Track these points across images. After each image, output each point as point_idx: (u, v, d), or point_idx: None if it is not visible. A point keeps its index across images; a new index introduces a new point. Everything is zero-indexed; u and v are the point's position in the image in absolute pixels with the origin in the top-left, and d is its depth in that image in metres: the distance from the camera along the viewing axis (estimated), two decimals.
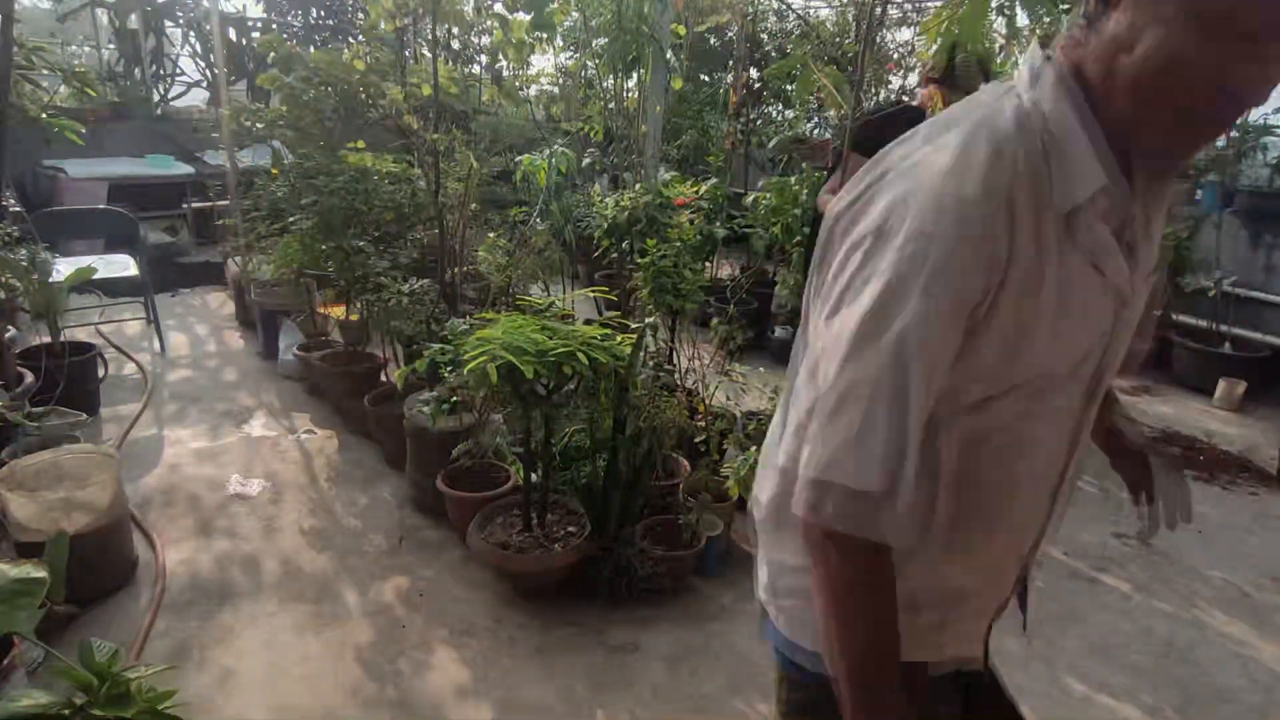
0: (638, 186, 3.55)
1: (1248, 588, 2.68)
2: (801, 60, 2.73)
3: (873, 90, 5.65)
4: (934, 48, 1.97)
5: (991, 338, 0.77)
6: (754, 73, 6.33)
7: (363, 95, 3.64)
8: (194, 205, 6.46)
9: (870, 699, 0.80)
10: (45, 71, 3.43)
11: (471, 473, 2.72)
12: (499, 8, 4.15)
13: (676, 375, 3.05)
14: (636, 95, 4.16)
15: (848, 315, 0.77)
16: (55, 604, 1.51)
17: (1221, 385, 4.16)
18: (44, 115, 3.35)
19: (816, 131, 6.51)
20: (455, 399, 2.70)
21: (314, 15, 7.74)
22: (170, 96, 7.77)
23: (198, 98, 7.99)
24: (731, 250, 5.37)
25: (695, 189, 3.67)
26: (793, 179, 4.56)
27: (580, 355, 2.08)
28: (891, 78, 5.38)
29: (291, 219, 3.45)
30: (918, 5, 5.70)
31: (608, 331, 2.27)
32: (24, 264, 3.22)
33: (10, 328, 3.31)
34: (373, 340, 3.77)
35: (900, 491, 0.75)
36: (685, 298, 2.87)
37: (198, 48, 7.59)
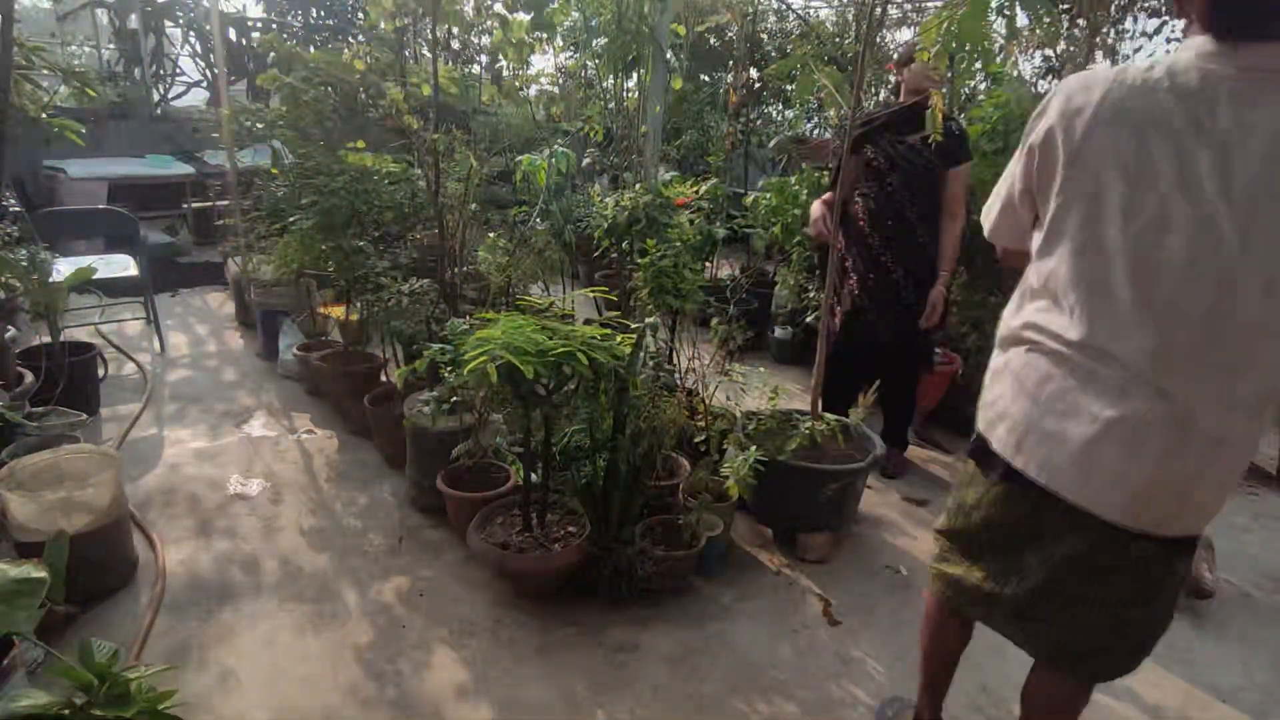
0: (638, 186, 3.55)
1: (1247, 587, 2.68)
2: (801, 60, 2.72)
3: (873, 90, 5.66)
4: (933, 50, 1.96)
5: None
6: (754, 73, 6.33)
7: (363, 95, 3.65)
8: (194, 205, 6.47)
9: None
10: (45, 71, 3.42)
11: (471, 473, 2.72)
12: (499, 8, 4.16)
13: (676, 375, 3.05)
14: (636, 95, 4.16)
15: None
16: (55, 604, 1.51)
17: None
18: (44, 115, 3.34)
19: (816, 131, 6.52)
20: (455, 399, 2.70)
21: (314, 15, 7.75)
22: (170, 96, 7.79)
23: (198, 98, 8.00)
24: (731, 250, 5.37)
25: (695, 189, 3.67)
26: (793, 179, 4.56)
27: (580, 355, 2.08)
28: (891, 77, 5.39)
29: (291, 219, 3.45)
30: (918, 5, 5.71)
31: (608, 331, 2.27)
32: (24, 264, 3.22)
33: (10, 328, 3.31)
34: (373, 340, 3.77)
35: None
36: (685, 298, 2.87)
37: (198, 48, 7.61)
